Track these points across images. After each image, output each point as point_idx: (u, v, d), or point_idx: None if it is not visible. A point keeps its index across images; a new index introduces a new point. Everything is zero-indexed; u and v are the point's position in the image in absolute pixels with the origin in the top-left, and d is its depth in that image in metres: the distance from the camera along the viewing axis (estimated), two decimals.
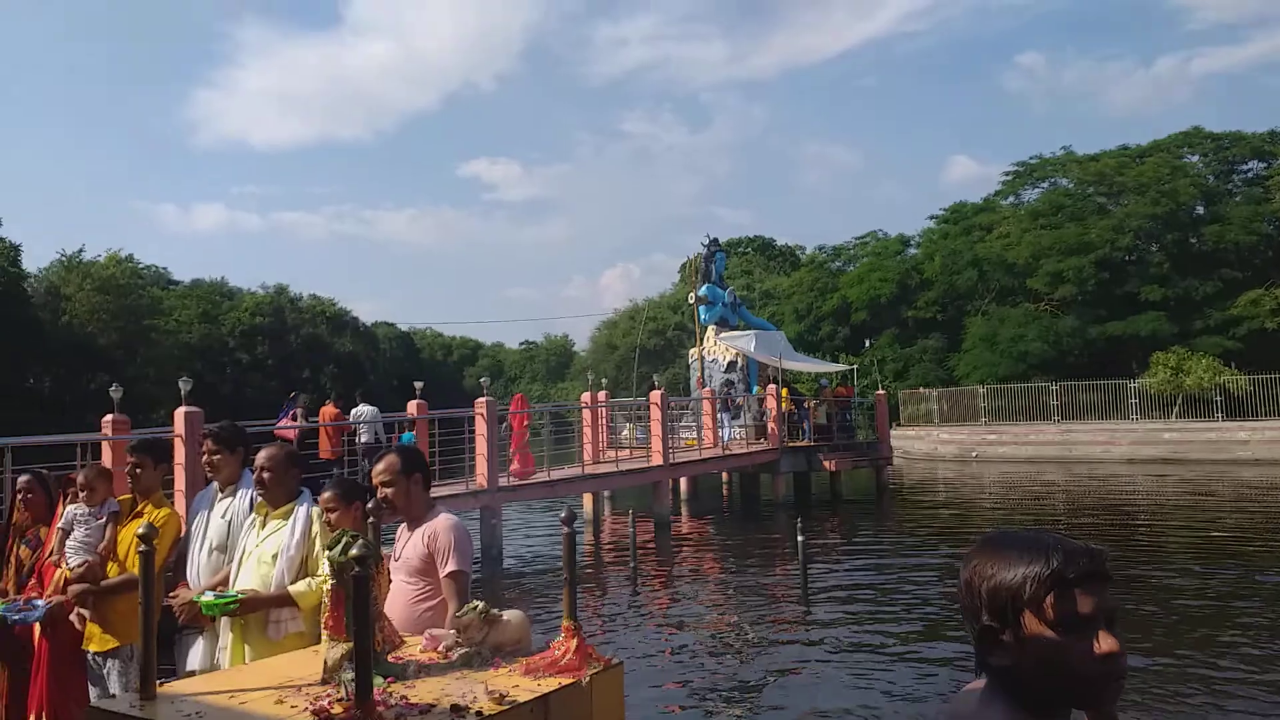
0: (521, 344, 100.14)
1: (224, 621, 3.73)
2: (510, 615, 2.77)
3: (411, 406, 16.29)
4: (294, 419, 14.71)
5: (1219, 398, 31.59)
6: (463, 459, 15.94)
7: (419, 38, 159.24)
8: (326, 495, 3.77)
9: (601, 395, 21.92)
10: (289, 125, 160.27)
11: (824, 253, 57.44)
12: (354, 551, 2.14)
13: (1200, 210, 40.48)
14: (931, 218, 52.89)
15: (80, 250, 52.23)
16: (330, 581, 2.52)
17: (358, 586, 1.97)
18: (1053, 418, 34.04)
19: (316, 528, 3.80)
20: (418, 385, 16.80)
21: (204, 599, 3.61)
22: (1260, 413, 30.64)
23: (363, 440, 15.34)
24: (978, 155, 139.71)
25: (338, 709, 2.15)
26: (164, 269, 65.89)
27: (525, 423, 18.05)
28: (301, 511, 3.88)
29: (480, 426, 15.45)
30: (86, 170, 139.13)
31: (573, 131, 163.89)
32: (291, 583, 3.70)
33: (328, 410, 15.46)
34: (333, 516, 3.73)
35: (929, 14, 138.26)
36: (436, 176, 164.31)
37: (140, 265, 57.68)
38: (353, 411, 15.78)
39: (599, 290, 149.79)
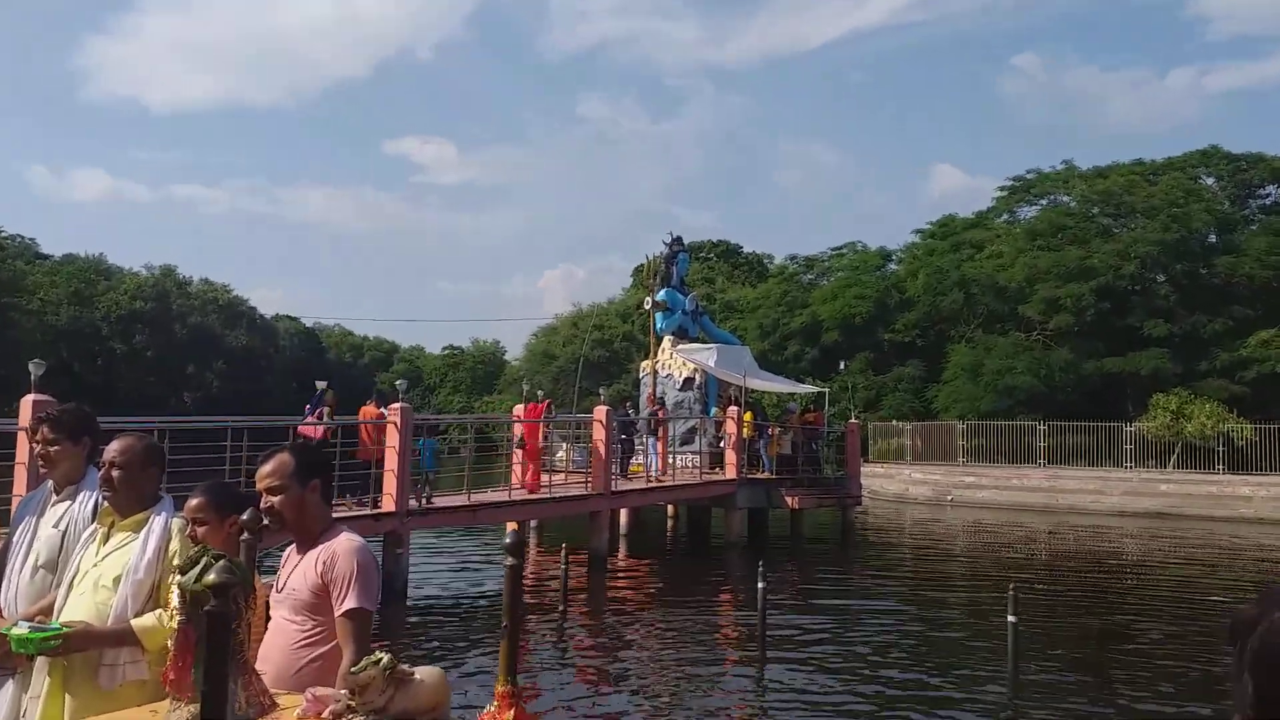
0: (445, 349, 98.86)
1: (41, 662, 3.22)
2: (424, 673, 2.34)
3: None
4: (320, 417, 15.02)
5: (1221, 448, 32.13)
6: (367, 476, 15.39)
7: None
8: (194, 503, 3.36)
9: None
10: (195, 84, 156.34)
11: (795, 263, 57.72)
12: (211, 577, 1.70)
13: (1213, 238, 41.34)
14: (917, 231, 53.49)
15: None
16: (179, 617, 2.08)
17: (213, 627, 1.54)
18: (1039, 461, 34.33)
19: (176, 545, 3.36)
20: (320, 384, 16.18)
21: (15, 632, 3.09)
22: (1265, 466, 31.20)
23: None
24: (966, 165, 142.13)
25: None
26: (31, 240, 63.79)
27: (540, 433, 18.58)
28: (158, 523, 3.43)
29: (392, 437, 14.90)
30: None
31: (520, 112, 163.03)
32: (138, 614, 3.23)
33: (369, 410, 15.84)
34: (201, 531, 3.29)
35: (926, 5, 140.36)
36: (360, 152, 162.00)
37: (1, 234, 55.87)
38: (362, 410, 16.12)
39: (539, 292, 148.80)
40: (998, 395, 38.52)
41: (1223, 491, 29.69)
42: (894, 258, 52.94)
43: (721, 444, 23.00)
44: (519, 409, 21.16)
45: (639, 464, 22.29)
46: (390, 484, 14.85)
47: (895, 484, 35.22)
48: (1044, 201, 47.44)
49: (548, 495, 18.41)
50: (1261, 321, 37.46)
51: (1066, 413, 35.80)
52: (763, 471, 23.03)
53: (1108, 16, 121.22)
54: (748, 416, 22.61)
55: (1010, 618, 10.15)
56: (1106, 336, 39.31)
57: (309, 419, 15.16)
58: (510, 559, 2.39)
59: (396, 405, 15.20)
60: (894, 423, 40.63)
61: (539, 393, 22.24)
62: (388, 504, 14.76)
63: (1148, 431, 33.31)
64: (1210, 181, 44.87)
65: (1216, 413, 32.75)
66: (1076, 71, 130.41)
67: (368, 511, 14.50)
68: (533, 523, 21.12)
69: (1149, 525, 27.07)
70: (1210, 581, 17.86)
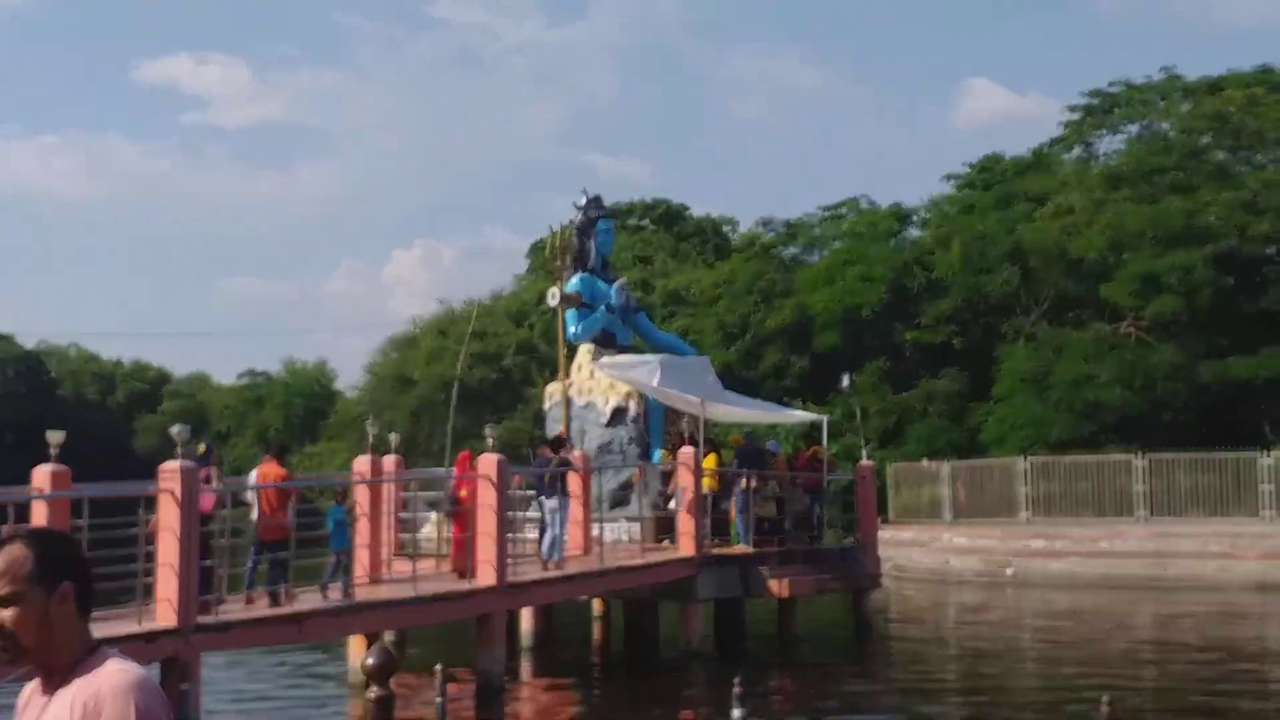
0: (243, 375, 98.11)
1: None
2: None
3: (41, 475, 15.40)
4: (208, 481, 15.75)
5: None
6: (132, 575, 15.14)
7: None
8: None
9: (389, 462, 21.33)
10: None
11: (770, 231, 58.23)
12: None
13: None
14: (948, 178, 54.53)
15: None
16: None
17: None
18: (1138, 512, 34.87)
19: None
20: (53, 439, 15.86)
21: None
22: None
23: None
24: (1012, 79, 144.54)
25: None
26: None
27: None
28: None
29: (168, 514, 14.68)
30: None
31: (345, 16, 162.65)
32: None
33: (269, 470, 17.07)
34: None
35: None
36: (99, 82, 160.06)
37: None
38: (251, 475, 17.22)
39: (384, 286, 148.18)
40: (1075, 417, 39.12)
41: None
42: (915, 219, 53.69)
43: (672, 504, 23.00)
44: (361, 462, 20.96)
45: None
46: (168, 585, 14.60)
47: (930, 554, 35.55)
48: (1132, 129, 48.34)
49: (412, 594, 18.27)
50: None
51: (1176, 439, 36.38)
52: (735, 543, 23.09)
53: None
54: (709, 462, 22.64)
55: None
56: (1230, 327, 40.09)
57: None
58: (374, 688, 2.38)
59: (172, 464, 14.99)
60: (925, 463, 40.97)
61: (392, 437, 22.07)
62: (164, 615, 14.52)
63: None
64: None
65: None
66: None
67: (135, 629, 14.26)
68: (389, 635, 20.95)
69: None
70: None
